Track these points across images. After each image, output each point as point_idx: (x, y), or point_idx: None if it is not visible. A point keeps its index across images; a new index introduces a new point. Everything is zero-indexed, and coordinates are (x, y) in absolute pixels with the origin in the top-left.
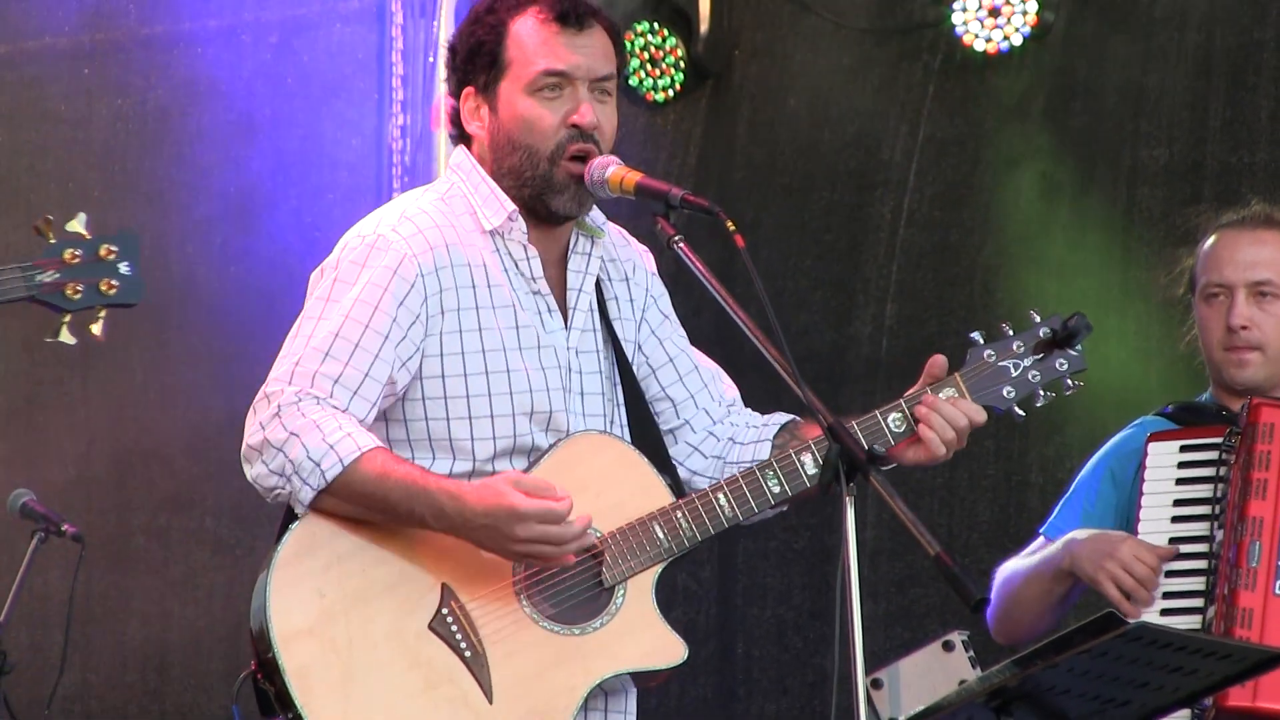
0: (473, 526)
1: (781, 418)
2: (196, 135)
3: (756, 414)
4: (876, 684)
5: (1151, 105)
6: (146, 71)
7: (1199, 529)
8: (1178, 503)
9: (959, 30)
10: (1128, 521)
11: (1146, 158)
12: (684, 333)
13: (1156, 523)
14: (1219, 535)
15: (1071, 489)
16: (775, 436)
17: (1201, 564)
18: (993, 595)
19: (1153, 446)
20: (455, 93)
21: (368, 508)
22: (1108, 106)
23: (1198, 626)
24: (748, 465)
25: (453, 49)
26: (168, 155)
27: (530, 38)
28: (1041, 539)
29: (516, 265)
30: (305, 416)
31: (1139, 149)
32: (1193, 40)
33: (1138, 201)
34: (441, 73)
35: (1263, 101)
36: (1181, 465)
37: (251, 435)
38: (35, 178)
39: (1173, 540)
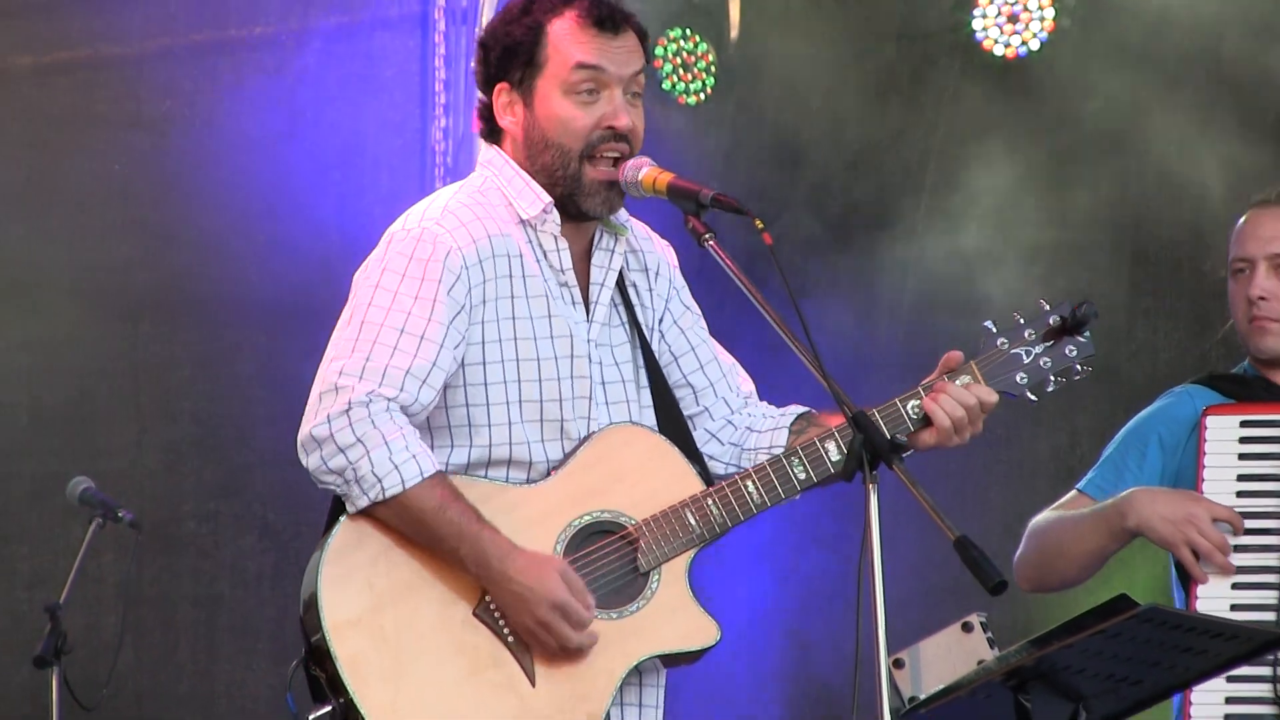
0: (507, 587)
1: (797, 409)
2: (243, 136)
3: (772, 406)
4: (898, 664)
5: (1160, 108)
6: (194, 75)
7: (1268, 504)
8: (1241, 477)
9: (979, 35)
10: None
11: (1157, 157)
12: (705, 325)
13: (1220, 498)
14: None
15: (1113, 448)
16: (792, 424)
17: (1273, 539)
18: (1023, 546)
19: (1211, 419)
20: (487, 89)
21: (414, 532)
22: (1118, 109)
23: (1273, 602)
24: (765, 451)
25: (486, 46)
26: (214, 155)
27: (566, 37)
28: (1075, 493)
29: (546, 256)
30: (375, 427)
31: (1148, 152)
32: (1200, 45)
33: (1148, 201)
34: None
35: (1270, 106)
36: (1244, 440)
37: (317, 425)
38: (82, 178)
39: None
